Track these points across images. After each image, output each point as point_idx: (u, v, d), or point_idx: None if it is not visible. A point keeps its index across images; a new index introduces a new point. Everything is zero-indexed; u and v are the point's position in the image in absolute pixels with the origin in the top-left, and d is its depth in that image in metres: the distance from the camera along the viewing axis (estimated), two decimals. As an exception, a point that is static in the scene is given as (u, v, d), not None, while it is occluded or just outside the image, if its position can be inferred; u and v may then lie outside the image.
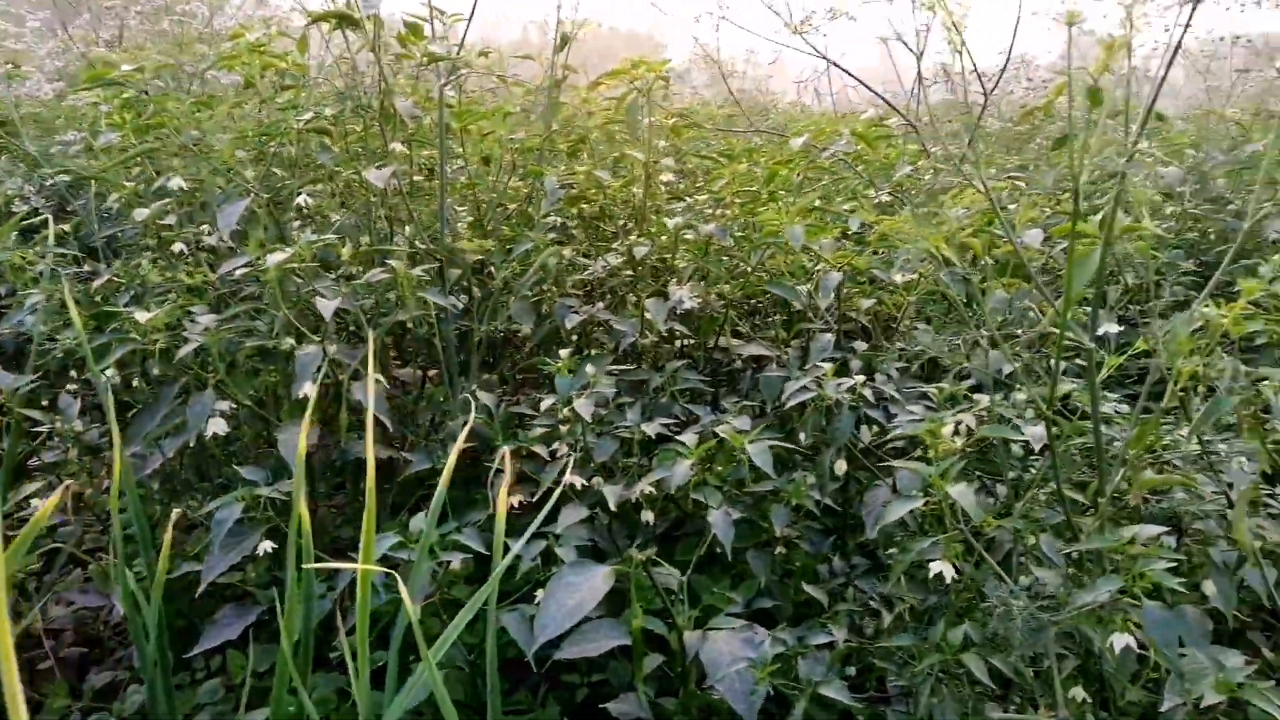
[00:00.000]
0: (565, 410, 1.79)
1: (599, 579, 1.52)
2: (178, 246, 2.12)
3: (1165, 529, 1.41)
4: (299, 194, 2.02)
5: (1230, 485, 1.77)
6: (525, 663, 1.81)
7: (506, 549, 1.39)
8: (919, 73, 2.48)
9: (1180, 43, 1.30)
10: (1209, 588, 1.74)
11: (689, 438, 1.73)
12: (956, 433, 1.50)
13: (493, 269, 2.21)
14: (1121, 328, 2.36)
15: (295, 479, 1.36)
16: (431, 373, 2.66)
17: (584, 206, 2.58)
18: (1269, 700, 1.31)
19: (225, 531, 1.70)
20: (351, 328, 2.09)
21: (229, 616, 2.02)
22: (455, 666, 1.85)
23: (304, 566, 1.35)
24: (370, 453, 1.28)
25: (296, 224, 2.13)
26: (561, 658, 1.61)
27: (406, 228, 2.38)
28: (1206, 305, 1.50)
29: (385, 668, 1.71)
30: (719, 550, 2.19)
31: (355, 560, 1.82)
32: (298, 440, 1.79)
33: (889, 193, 2.74)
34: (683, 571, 2.02)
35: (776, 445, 1.81)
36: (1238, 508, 1.49)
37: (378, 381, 1.89)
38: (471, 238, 2.13)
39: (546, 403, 1.85)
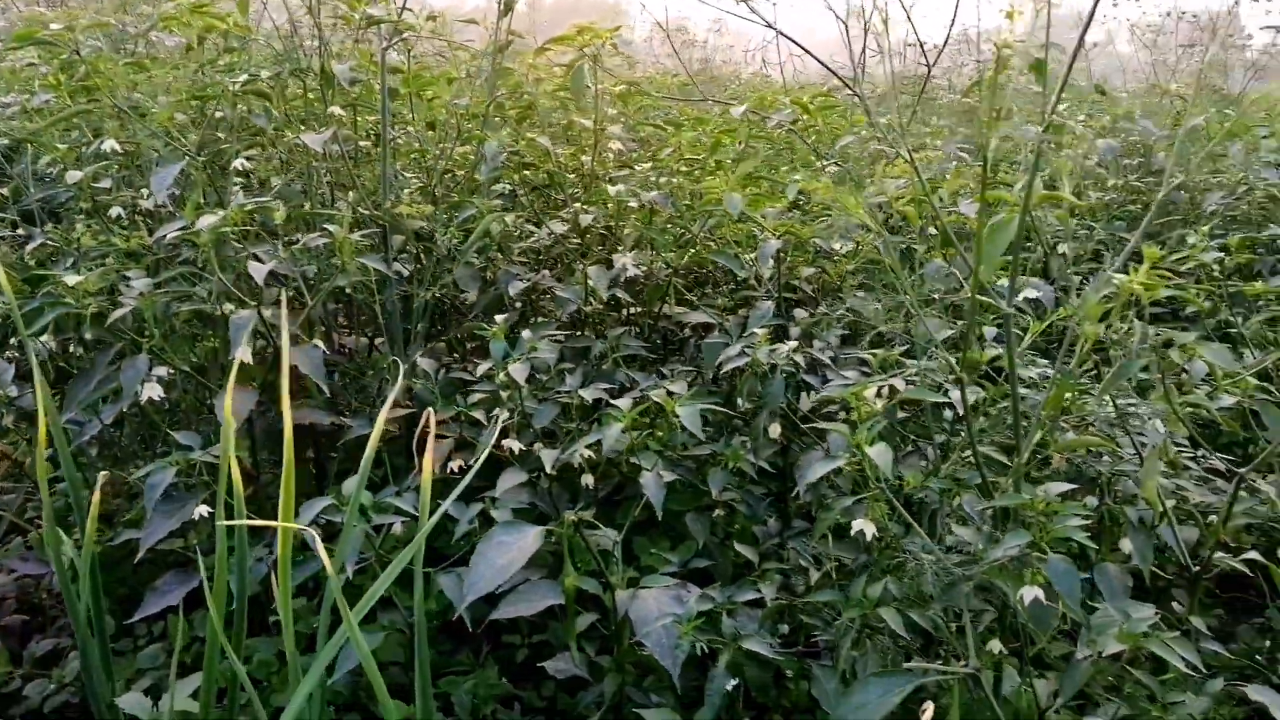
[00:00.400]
0: (501, 375, 1.81)
1: (530, 538, 1.55)
2: (115, 210, 2.09)
3: (1074, 485, 1.46)
4: (237, 158, 2.00)
5: (1144, 445, 1.83)
6: (474, 624, 1.84)
7: (439, 511, 1.41)
8: (864, 45, 2.51)
9: (1093, 12, 1.33)
10: (1126, 545, 1.82)
11: (624, 402, 1.76)
12: (880, 396, 1.54)
13: (437, 236, 2.21)
14: (1059, 295, 2.42)
15: (223, 439, 1.36)
16: (380, 340, 2.67)
17: (527, 174, 2.58)
18: (1170, 649, 1.37)
19: (159, 496, 1.70)
20: (292, 293, 2.09)
21: (170, 583, 2.02)
22: (396, 629, 1.88)
23: (226, 524, 1.36)
24: (286, 411, 1.28)
25: (237, 189, 2.11)
26: (498, 617, 1.64)
27: (350, 194, 2.37)
28: (1120, 272, 1.55)
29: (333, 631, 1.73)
30: (659, 515, 2.24)
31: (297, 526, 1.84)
32: (235, 404, 1.79)
33: (836, 163, 2.78)
34: (624, 534, 2.06)
35: (712, 409, 1.85)
36: (1147, 465, 1.55)
37: (316, 346, 1.89)
38: (411, 203, 2.13)
39: (483, 367, 1.87)
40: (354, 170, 2.37)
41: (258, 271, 1.71)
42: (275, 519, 2.21)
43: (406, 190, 2.68)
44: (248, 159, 2.03)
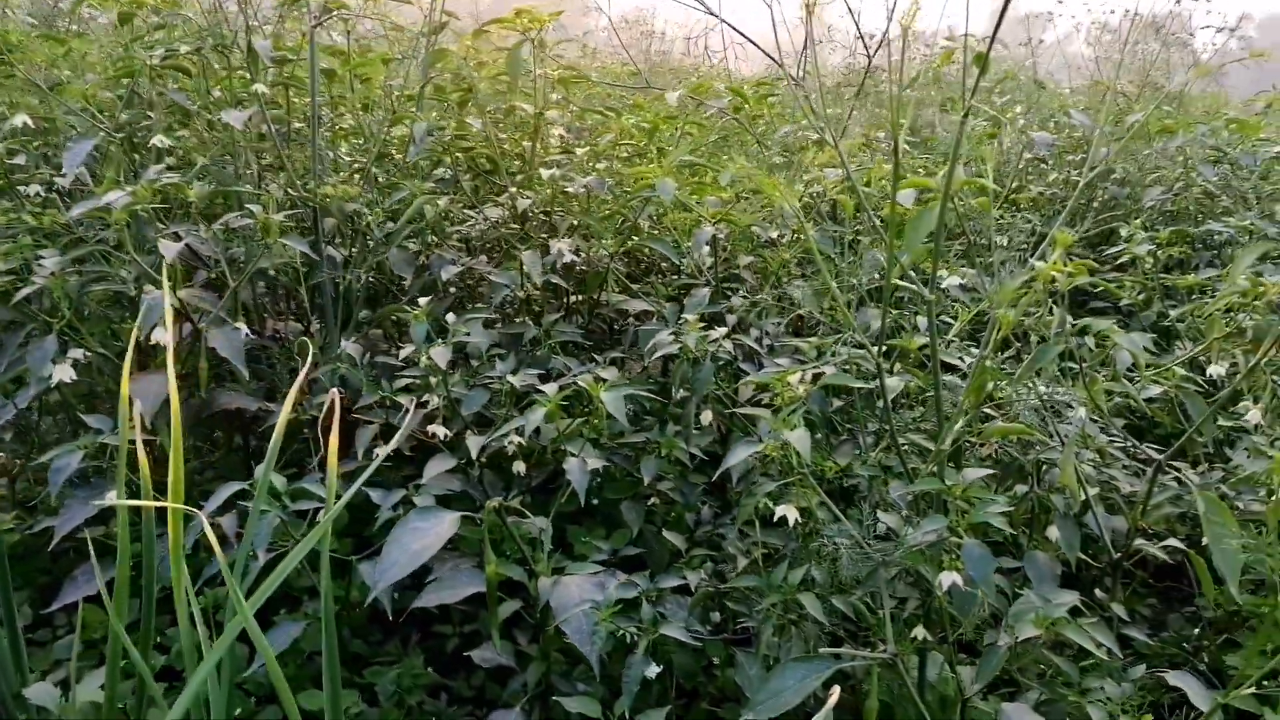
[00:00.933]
0: (424, 359, 1.77)
1: (445, 524, 1.52)
2: (32, 188, 2.02)
3: (991, 471, 1.47)
4: (156, 135, 1.94)
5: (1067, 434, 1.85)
6: (401, 613, 1.81)
7: (347, 495, 1.37)
8: (806, 34, 2.50)
9: (1007, 4, 1.33)
10: (1053, 533, 1.83)
11: (550, 388, 1.73)
12: (803, 382, 1.53)
13: (370, 219, 2.17)
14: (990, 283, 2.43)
15: (120, 419, 1.32)
16: (320, 328, 2.62)
17: (460, 155, 2.54)
18: (1084, 634, 1.38)
19: (63, 481, 1.64)
20: (217, 275, 2.03)
21: (88, 571, 1.96)
22: (319, 619, 1.83)
23: (113, 504, 1.32)
24: (174, 388, 1.24)
25: (160, 168, 2.05)
26: (421, 605, 1.61)
27: (281, 175, 2.32)
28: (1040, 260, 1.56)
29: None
30: (595, 501, 2.22)
31: (221, 514, 1.79)
32: (151, 388, 1.74)
33: (780, 154, 2.77)
34: (558, 522, 2.04)
35: (645, 396, 1.83)
36: (1065, 451, 1.56)
37: (236, 330, 1.84)
38: (336, 185, 2.08)
39: (406, 350, 1.83)
40: (286, 152, 2.32)
41: (168, 250, 1.66)
42: (200, 505, 2.17)
43: (343, 173, 2.63)
44: (175, 138, 1.97)
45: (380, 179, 2.60)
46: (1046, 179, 3.81)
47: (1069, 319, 1.50)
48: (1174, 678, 1.56)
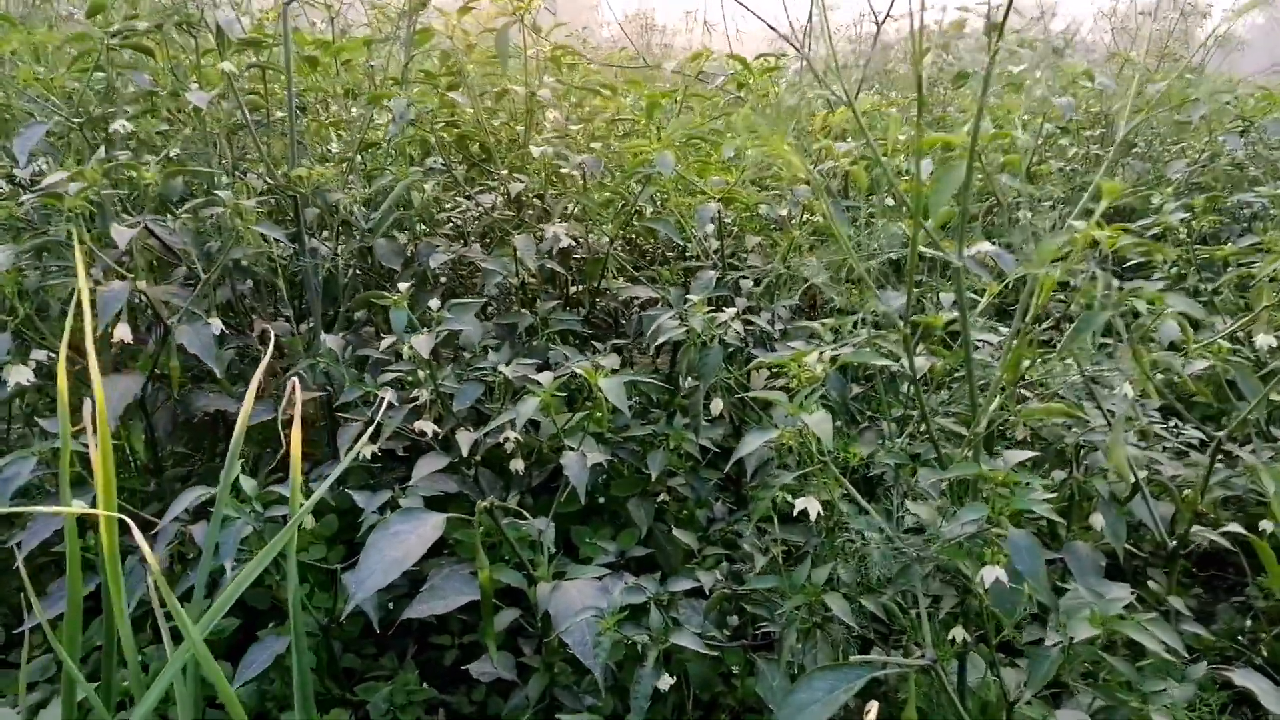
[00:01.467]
0: (406, 349, 1.64)
1: (429, 527, 1.38)
2: (-8, 183, 1.90)
3: (1036, 454, 1.32)
4: (118, 120, 1.82)
5: (1112, 413, 1.70)
6: (391, 624, 1.68)
7: (314, 498, 1.24)
8: (812, 4, 2.37)
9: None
10: (1097, 521, 1.68)
11: (545, 377, 1.60)
12: (821, 361, 1.39)
13: (347, 202, 2.03)
14: (1018, 259, 2.28)
15: (60, 422, 1.18)
16: (307, 326, 2.48)
17: (450, 141, 2.41)
18: (1146, 632, 1.23)
19: (13, 490, 1.51)
20: (183, 266, 1.91)
21: (61, 588, 1.84)
22: (307, 632, 1.70)
23: (53, 512, 1.18)
24: (97, 383, 1.11)
25: (125, 155, 1.92)
26: (411, 616, 1.47)
27: (261, 165, 2.19)
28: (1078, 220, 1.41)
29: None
30: (602, 499, 2.08)
31: (202, 523, 1.66)
32: (114, 390, 1.62)
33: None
34: (562, 523, 1.90)
35: (649, 385, 1.69)
36: (1114, 433, 1.41)
37: (207, 325, 1.71)
38: (310, 169, 1.95)
39: (386, 341, 1.69)
40: (265, 138, 2.19)
41: (121, 236, 1.53)
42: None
43: (329, 163, 2.51)
44: (148, 126, 1.84)
45: (366, 167, 2.47)
46: (1066, 155, 3.65)
47: (1115, 283, 1.35)
48: (1241, 676, 1.41)
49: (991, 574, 1.24)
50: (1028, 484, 1.31)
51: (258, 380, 1.25)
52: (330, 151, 2.65)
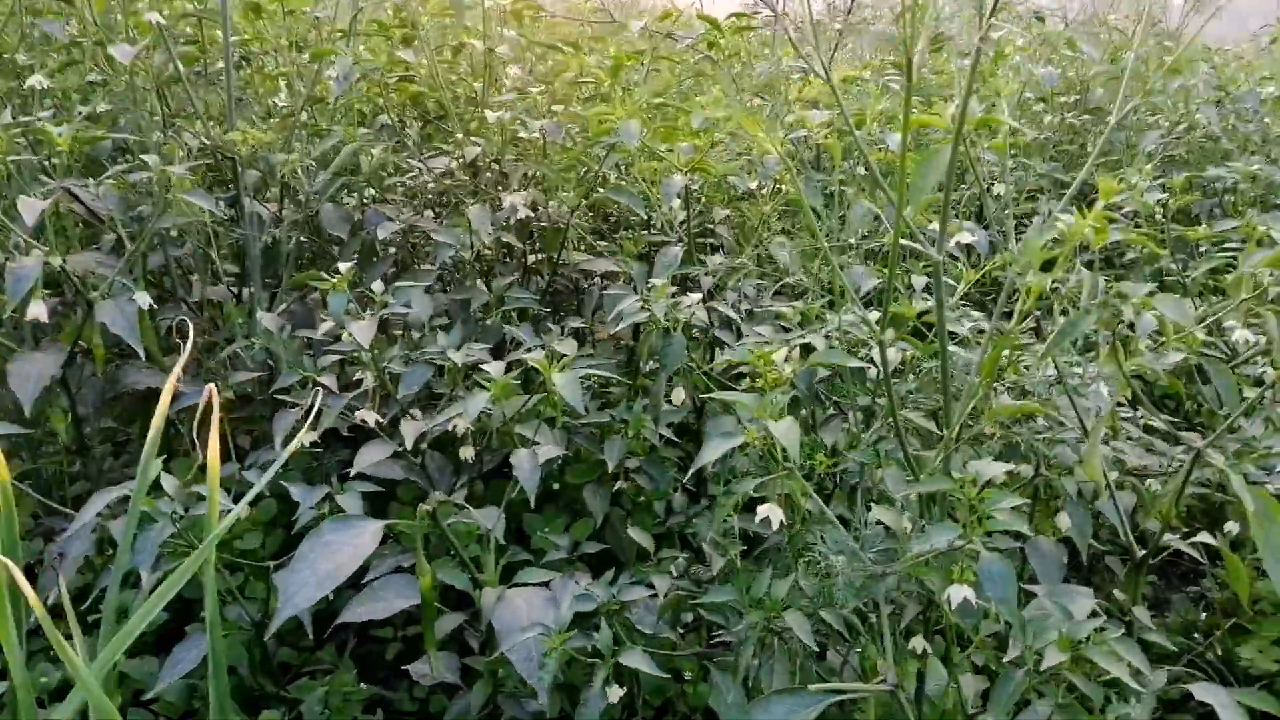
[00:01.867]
0: (347, 336, 1.53)
1: (365, 537, 1.29)
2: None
3: (1010, 465, 1.25)
4: (35, 75, 1.67)
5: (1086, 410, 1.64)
6: (333, 615, 1.60)
7: (255, 491, 1.15)
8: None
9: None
10: (1063, 520, 1.64)
11: (497, 366, 1.50)
12: (789, 360, 1.31)
13: (288, 165, 1.90)
14: (994, 240, 2.21)
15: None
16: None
17: (404, 99, 2.27)
18: (1114, 658, 1.18)
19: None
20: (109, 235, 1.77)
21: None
22: (239, 627, 1.62)
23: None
24: None
25: (46, 114, 1.78)
26: (346, 621, 1.39)
27: (198, 124, 2.05)
28: (1065, 213, 1.33)
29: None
30: (557, 485, 2.00)
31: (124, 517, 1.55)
32: (28, 371, 1.50)
33: (759, 96, 2.51)
34: (515, 509, 1.82)
35: (604, 376, 1.60)
36: (1091, 438, 1.35)
37: (131, 301, 1.59)
38: (244, 132, 1.81)
39: (325, 326, 1.58)
40: (201, 93, 2.04)
41: (28, 209, 1.40)
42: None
43: (274, 118, 2.36)
44: (65, 78, 1.69)
45: (313, 124, 2.32)
46: (1042, 122, 3.57)
47: (1101, 282, 1.28)
48: (1201, 691, 1.38)
49: (960, 593, 1.17)
50: (1000, 494, 1.25)
51: (181, 366, 1.14)
52: (276, 105, 2.50)
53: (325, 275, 1.56)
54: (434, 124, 2.56)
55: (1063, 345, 1.32)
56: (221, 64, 2.21)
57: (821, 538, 1.21)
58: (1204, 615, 2.18)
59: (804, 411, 1.75)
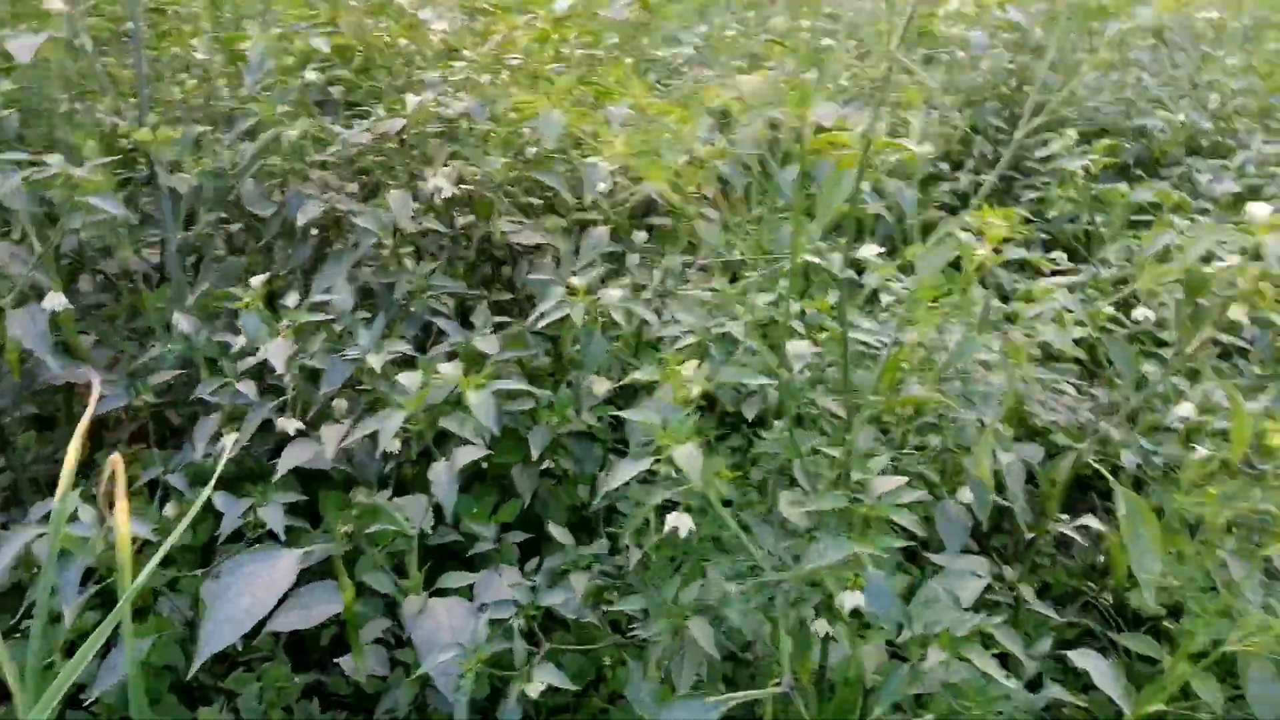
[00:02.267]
0: (262, 353, 1.54)
1: (281, 571, 1.31)
2: None
3: (904, 480, 1.32)
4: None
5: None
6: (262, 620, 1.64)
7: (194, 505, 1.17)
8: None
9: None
10: (965, 495, 1.73)
11: (413, 378, 1.52)
12: (694, 379, 1.34)
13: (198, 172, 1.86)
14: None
15: None
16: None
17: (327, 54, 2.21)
18: (992, 663, 1.27)
19: None
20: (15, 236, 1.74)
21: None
22: (172, 624, 1.66)
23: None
24: None
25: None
26: (274, 630, 1.44)
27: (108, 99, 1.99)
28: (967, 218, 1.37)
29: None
30: (484, 465, 2.05)
31: (44, 524, 1.57)
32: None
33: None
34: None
35: (523, 391, 1.63)
36: (981, 443, 1.43)
37: (42, 311, 1.58)
38: (155, 130, 1.77)
39: (239, 344, 1.59)
40: (110, 71, 1.98)
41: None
42: (38, 498, 1.93)
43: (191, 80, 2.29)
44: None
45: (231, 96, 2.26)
46: (980, 64, 3.59)
47: (995, 302, 1.33)
48: (1078, 657, 1.48)
49: (851, 600, 1.26)
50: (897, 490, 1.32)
51: (94, 401, 1.15)
52: (196, 59, 2.43)
53: (236, 294, 1.55)
54: (364, 75, 2.49)
55: (960, 362, 1.38)
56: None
57: (717, 561, 1.27)
58: (1102, 558, 2.30)
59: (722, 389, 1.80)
